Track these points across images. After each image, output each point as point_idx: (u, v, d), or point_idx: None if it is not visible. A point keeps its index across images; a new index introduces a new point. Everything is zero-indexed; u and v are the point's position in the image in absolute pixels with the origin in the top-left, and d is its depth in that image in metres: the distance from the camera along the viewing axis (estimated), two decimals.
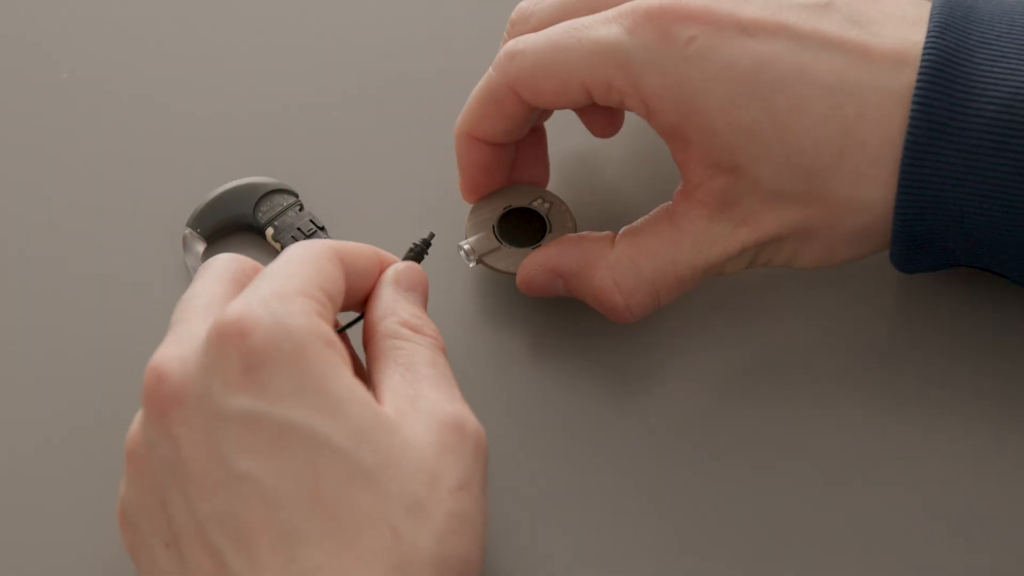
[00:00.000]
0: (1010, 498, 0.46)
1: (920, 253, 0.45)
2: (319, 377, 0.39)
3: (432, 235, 0.48)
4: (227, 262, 0.44)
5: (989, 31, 0.43)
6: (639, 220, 0.47)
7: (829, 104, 0.43)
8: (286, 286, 0.41)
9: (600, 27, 0.44)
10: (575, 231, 0.49)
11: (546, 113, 0.51)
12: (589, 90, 0.45)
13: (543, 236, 0.49)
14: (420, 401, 0.41)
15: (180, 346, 0.41)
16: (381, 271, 0.46)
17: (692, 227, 0.45)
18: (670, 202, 0.47)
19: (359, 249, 0.45)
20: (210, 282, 0.43)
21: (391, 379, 0.42)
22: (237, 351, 0.39)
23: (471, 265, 0.49)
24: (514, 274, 0.48)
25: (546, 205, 0.49)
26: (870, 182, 0.43)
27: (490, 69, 0.47)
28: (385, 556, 0.38)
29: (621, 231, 0.47)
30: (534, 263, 0.48)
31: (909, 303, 0.50)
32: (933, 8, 0.44)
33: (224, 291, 0.43)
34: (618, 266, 0.46)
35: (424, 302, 0.46)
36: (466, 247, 0.48)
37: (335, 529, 0.38)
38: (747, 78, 0.43)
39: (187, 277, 0.52)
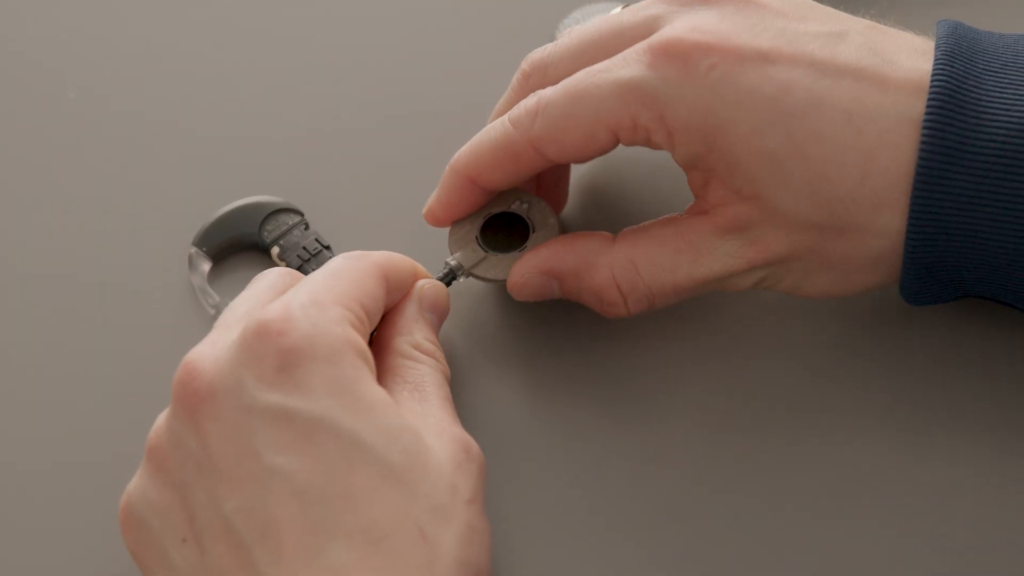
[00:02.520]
0: (1016, 527, 0.45)
1: (931, 282, 0.45)
2: (351, 380, 0.40)
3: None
4: (279, 275, 0.45)
5: (995, 60, 0.44)
6: (642, 224, 0.47)
7: (849, 130, 0.43)
8: (325, 295, 0.42)
9: (619, 68, 0.45)
10: (557, 226, 0.49)
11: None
12: (615, 133, 0.45)
13: (527, 237, 0.49)
14: (428, 418, 0.42)
15: (215, 346, 0.42)
16: (415, 282, 0.47)
17: (698, 240, 0.45)
18: (677, 214, 0.46)
19: (400, 264, 0.46)
20: (256, 292, 0.44)
21: (400, 395, 0.43)
22: (274, 348, 0.40)
23: (461, 280, 0.49)
24: (504, 281, 0.48)
25: (525, 206, 0.49)
26: (889, 207, 0.43)
27: (506, 123, 0.47)
28: (413, 555, 0.39)
29: (621, 232, 0.47)
30: (527, 266, 0.47)
31: (912, 331, 0.49)
32: (938, 38, 0.44)
33: (268, 300, 0.44)
34: (617, 265, 0.46)
35: (440, 324, 0.47)
36: (452, 263, 0.48)
37: (365, 526, 0.39)
38: (768, 106, 0.43)
39: (192, 296, 0.52)
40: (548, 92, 0.46)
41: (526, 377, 0.49)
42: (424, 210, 0.49)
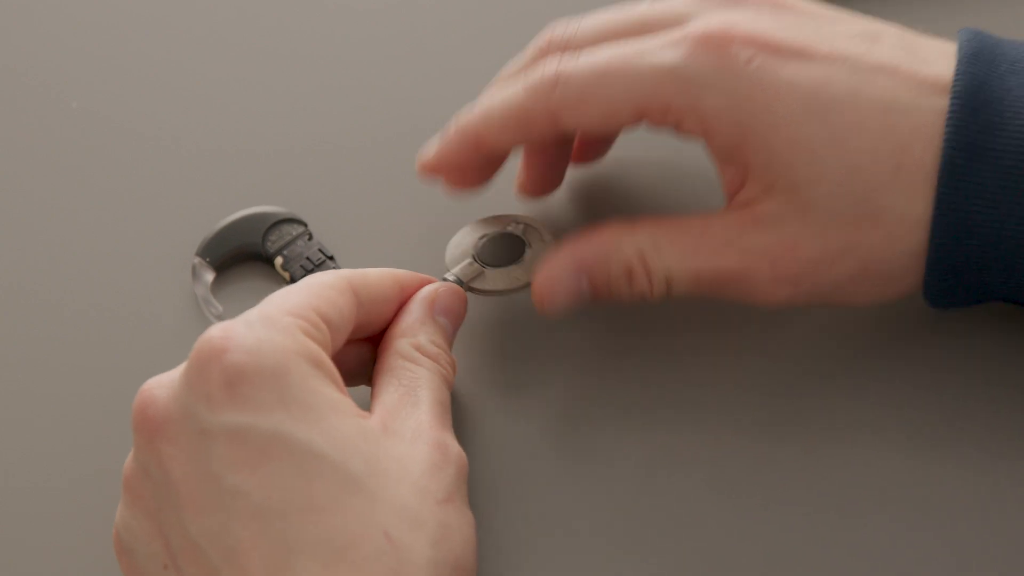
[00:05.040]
0: None
1: (955, 283, 0.44)
2: (301, 390, 0.40)
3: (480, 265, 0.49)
4: None
5: (1018, 62, 0.44)
6: (666, 215, 0.47)
7: (884, 122, 0.43)
8: (275, 308, 0.42)
9: (655, 52, 0.45)
10: (554, 245, 0.49)
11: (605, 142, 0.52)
12: (643, 113, 0.45)
13: (523, 255, 0.49)
14: (409, 421, 0.42)
15: (171, 374, 0.42)
16: (403, 295, 0.46)
17: (724, 232, 0.45)
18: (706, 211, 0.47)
19: (376, 277, 0.45)
20: None
21: (389, 396, 0.43)
22: (218, 367, 0.39)
23: None
24: (503, 292, 0.48)
25: (520, 227, 0.50)
26: (923, 200, 0.43)
27: (520, 88, 0.46)
28: (381, 561, 0.38)
29: (641, 217, 0.47)
30: (555, 266, 0.47)
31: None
32: (960, 40, 0.45)
33: None
34: (641, 243, 0.46)
35: (454, 329, 0.47)
36: (451, 278, 0.48)
37: (329, 537, 0.38)
38: (805, 97, 0.43)
39: (196, 306, 0.52)
40: (571, 63, 0.46)
41: (529, 390, 0.49)
42: (418, 161, 0.49)
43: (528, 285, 0.48)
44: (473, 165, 0.48)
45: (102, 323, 0.52)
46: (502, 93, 0.47)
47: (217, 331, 0.40)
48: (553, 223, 0.52)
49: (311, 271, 0.52)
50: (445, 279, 0.48)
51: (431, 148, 0.49)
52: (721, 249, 0.45)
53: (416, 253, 0.52)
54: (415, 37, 0.59)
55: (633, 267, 0.46)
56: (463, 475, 0.42)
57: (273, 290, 0.52)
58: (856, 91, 0.43)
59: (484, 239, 0.50)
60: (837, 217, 0.44)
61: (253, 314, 0.41)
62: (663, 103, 0.44)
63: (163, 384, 0.41)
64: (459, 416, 0.48)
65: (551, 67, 0.46)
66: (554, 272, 0.47)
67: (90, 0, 0.61)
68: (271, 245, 0.53)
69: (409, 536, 0.39)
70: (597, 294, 0.47)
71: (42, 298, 0.53)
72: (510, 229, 0.50)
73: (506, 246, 0.49)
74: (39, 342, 0.51)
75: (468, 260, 0.49)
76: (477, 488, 0.47)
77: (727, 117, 0.44)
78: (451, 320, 0.47)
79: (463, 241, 0.50)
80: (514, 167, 0.53)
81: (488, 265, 0.49)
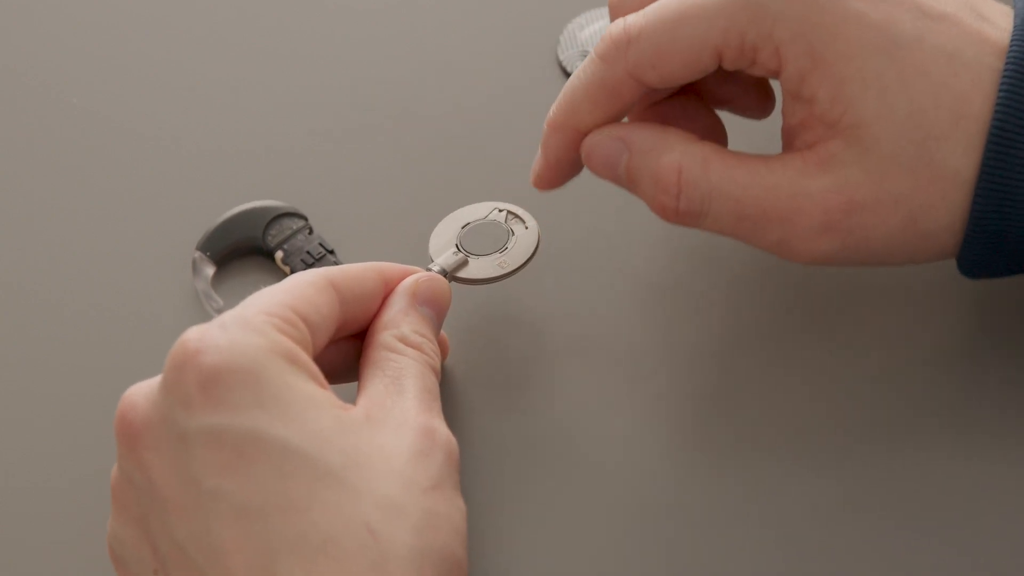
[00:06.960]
0: None
1: (991, 252, 0.44)
2: (277, 388, 0.40)
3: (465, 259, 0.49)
4: None
5: None
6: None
7: (947, 71, 0.43)
8: (250, 308, 0.41)
9: None
10: (536, 228, 0.49)
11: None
12: (721, 53, 0.44)
13: (506, 242, 0.49)
14: (395, 410, 0.42)
15: (152, 381, 0.41)
16: (387, 290, 0.46)
17: (781, 172, 0.44)
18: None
19: (358, 272, 0.45)
20: None
21: (374, 387, 0.43)
22: (193, 370, 0.39)
23: None
24: (488, 281, 0.48)
25: (503, 214, 0.50)
26: (975, 159, 0.43)
27: (594, 59, 0.46)
28: (363, 555, 0.38)
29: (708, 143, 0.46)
30: (610, 129, 0.46)
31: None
32: (1017, 7, 0.45)
33: None
34: (690, 155, 0.45)
35: (439, 318, 0.47)
36: (435, 268, 0.48)
37: (310, 534, 0.38)
38: (875, 31, 0.43)
39: (196, 300, 0.52)
40: (638, 19, 0.45)
41: (521, 382, 0.49)
42: (532, 178, 0.48)
43: (513, 273, 0.49)
44: (576, 158, 0.48)
45: (102, 321, 0.52)
46: (579, 74, 0.46)
47: (191, 334, 0.40)
48: (535, 210, 0.52)
49: (312, 265, 0.52)
50: (430, 269, 0.48)
51: (538, 163, 0.48)
52: (774, 191, 0.44)
53: (416, 246, 0.52)
54: (415, 37, 0.60)
55: (662, 174, 0.45)
56: (453, 461, 0.42)
57: (273, 284, 0.52)
58: (921, 36, 0.43)
59: (467, 228, 0.50)
60: (896, 160, 0.43)
61: (228, 316, 0.41)
62: (739, 37, 0.44)
63: (143, 391, 0.41)
64: (451, 410, 0.48)
65: (618, 28, 0.45)
66: (602, 134, 0.46)
67: (90, 0, 0.61)
68: (272, 239, 0.53)
69: (391, 527, 0.39)
70: (630, 179, 0.46)
71: (42, 297, 0.53)
72: (491, 216, 0.50)
73: (489, 234, 0.50)
74: (39, 342, 0.51)
75: (452, 249, 0.49)
76: (471, 481, 0.47)
77: (799, 45, 0.43)
78: (434, 309, 0.46)
79: (446, 230, 0.50)
80: (495, 156, 0.53)
81: (472, 254, 0.49)
